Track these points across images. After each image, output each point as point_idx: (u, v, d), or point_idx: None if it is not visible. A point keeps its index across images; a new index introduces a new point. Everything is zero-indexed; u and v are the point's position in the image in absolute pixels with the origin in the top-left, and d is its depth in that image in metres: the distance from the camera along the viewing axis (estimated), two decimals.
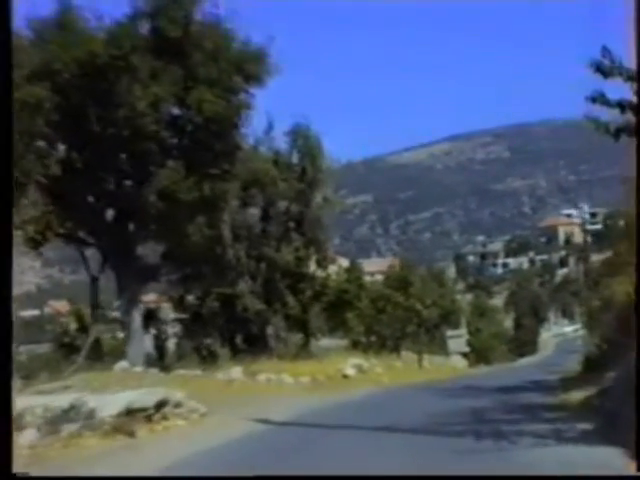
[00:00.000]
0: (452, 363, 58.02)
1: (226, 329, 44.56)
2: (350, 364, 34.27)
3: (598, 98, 17.68)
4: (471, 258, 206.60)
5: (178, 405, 18.06)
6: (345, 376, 32.58)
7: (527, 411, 16.85)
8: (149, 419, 16.91)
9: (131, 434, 15.45)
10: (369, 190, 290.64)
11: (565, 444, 11.75)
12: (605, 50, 15.25)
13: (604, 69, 15.11)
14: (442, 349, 59.34)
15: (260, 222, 43.44)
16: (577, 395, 18.92)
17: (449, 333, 60.55)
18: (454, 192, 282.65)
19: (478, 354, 67.33)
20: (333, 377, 31.53)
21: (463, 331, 63.49)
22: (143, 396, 17.23)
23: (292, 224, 42.72)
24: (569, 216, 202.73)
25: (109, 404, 16.38)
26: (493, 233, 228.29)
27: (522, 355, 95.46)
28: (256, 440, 14.77)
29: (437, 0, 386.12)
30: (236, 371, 28.28)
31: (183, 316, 46.76)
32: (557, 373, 36.51)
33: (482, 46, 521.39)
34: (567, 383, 24.55)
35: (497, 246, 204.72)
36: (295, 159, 43.29)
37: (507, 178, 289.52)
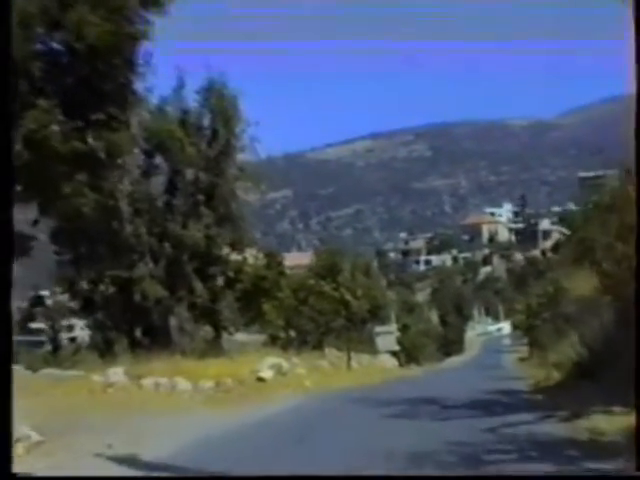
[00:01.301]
0: (381, 363, 51.43)
1: (122, 319, 37.38)
2: (267, 364, 27.36)
3: None
4: (392, 255, 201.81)
5: None
6: (260, 379, 25.68)
7: (555, 455, 10.14)
8: None
9: None
10: (290, 185, 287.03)
11: None
12: None
13: None
14: (369, 347, 52.72)
15: (164, 194, 36.27)
16: (605, 422, 12.32)
17: (377, 329, 53.92)
18: (375, 189, 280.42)
19: (408, 353, 60.92)
20: (245, 381, 24.65)
21: (392, 327, 56.91)
22: None
23: (201, 197, 35.61)
24: (492, 214, 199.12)
25: None
26: (414, 231, 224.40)
27: (448, 354, 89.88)
28: None
29: None
30: (116, 373, 21.22)
31: (72, 304, 39.50)
32: (513, 379, 30.19)
33: (407, 44, 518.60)
34: (559, 397, 17.94)
35: (419, 243, 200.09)
36: (207, 122, 36.32)
37: (428, 177, 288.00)
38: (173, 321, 35.57)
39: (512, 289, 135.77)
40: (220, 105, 35.65)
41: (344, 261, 46.27)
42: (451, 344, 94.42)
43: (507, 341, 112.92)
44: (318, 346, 45.49)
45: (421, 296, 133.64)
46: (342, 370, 37.68)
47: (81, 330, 61.69)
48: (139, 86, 26.95)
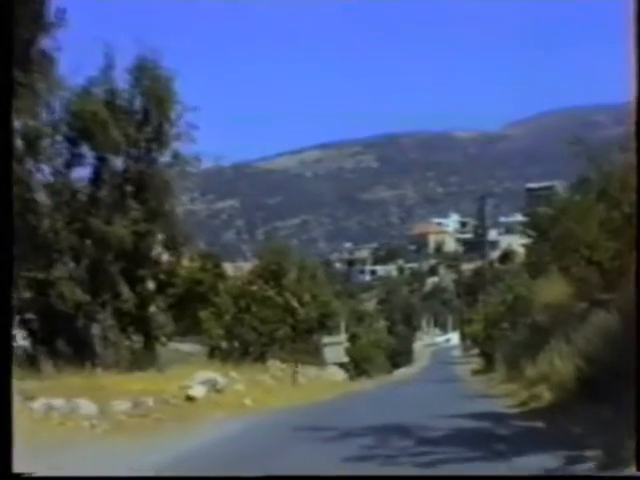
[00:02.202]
0: (330, 376, 46.96)
1: (40, 327, 32.52)
2: (199, 380, 22.90)
3: None
4: (338, 265, 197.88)
5: None
6: (189, 398, 21.26)
7: None
8: None
9: None
10: (237, 195, 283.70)
11: None
12: None
13: None
14: (317, 359, 48.20)
15: (88, 186, 31.58)
16: None
17: (325, 340, 49.48)
18: (322, 200, 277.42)
19: (357, 365, 56.49)
20: (170, 400, 20.23)
21: (341, 338, 52.45)
22: None
23: (130, 188, 31.10)
24: (439, 224, 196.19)
25: None
26: (360, 242, 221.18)
27: (396, 365, 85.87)
28: None
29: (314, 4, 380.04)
30: None
31: None
32: (486, 397, 26.02)
33: (353, 55, 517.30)
34: (568, 424, 13.65)
35: (365, 253, 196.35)
36: (138, 104, 31.82)
37: (376, 188, 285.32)
38: (96, 329, 30.93)
39: (462, 299, 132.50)
40: (153, 87, 31.24)
41: (290, 262, 41.56)
42: (400, 355, 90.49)
43: (456, 352, 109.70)
44: (261, 358, 40.98)
45: (367, 307, 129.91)
46: (287, 385, 33.25)
47: (23, 340, 56.56)
48: (48, 45, 22.49)
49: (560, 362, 19.60)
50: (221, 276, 35.43)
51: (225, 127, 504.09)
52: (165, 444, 13.75)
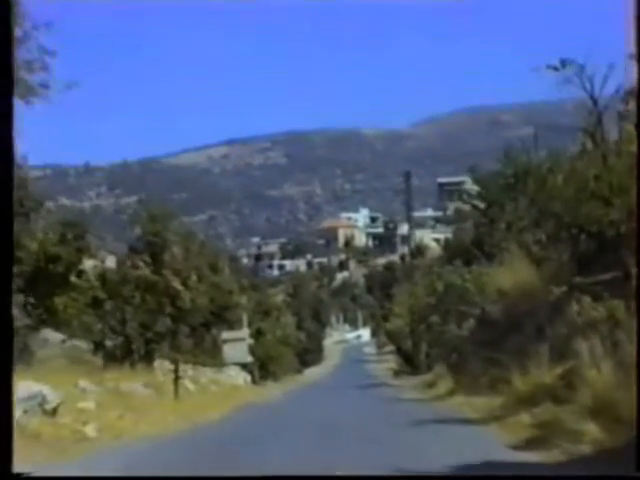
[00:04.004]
0: (229, 379, 38.49)
1: None
2: (18, 396, 14.26)
3: None
4: (246, 260, 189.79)
5: None
6: None
7: None
8: None
9: None
10: (144, 190, 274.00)
11: None
12: None
13: None
14: (215, 358, 39.86)
15: None
16: None
17: (225, 335, 41.23)
18: (230, 196, 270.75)
19: (263, 365, 47.96)
20: None
21: (244, 333, 44.14)
22: None
23: None
24: (349, 219, 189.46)
25: None
26: (268, 238, 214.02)
27: (306, 364, 77.96)
28: None
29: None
30: None
31: None
32: (458, 422, 17.73)
33: (260, 50, 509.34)
34: None
35: (273, 247, 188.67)
36: None
37: (283, 184, 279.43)
38: None
39: (374, 295, 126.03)
40: None
41: (172, 232, 31.95)
42: (309, 352, 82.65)
43: (368, 349, 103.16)
44: (146, 357, 32.24)
45: (275, 301, 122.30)
46: (168, 395, 24.61)
47: None
48: None
49: (595, 371, 11.64)
50: (85, 251, 26.55)
51: (130, 121, 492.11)
52: None
